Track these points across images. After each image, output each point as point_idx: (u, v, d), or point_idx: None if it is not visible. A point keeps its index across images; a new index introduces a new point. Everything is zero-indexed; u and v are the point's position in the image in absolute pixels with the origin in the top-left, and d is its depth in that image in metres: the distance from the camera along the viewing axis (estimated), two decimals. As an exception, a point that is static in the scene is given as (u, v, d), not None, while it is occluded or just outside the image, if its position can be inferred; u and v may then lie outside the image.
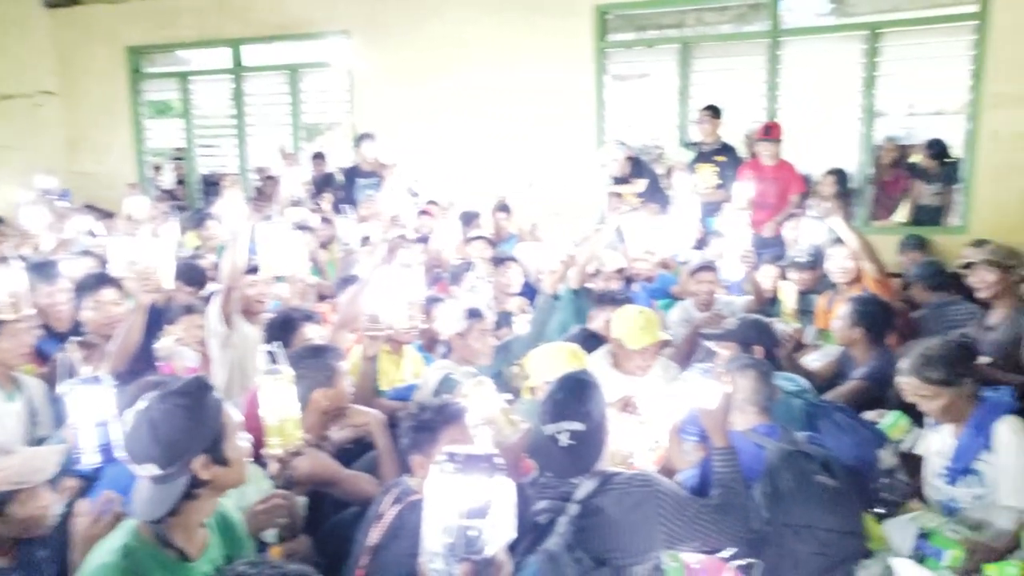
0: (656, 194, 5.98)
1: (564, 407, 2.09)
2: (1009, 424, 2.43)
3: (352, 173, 6.81)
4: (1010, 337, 3.47)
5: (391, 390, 3.50)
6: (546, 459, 2.11)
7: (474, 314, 3.22)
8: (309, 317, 3.31)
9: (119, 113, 8.62)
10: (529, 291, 4.60)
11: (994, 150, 5.72)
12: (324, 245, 5.59)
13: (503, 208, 6.10)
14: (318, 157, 7.39)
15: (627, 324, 3.28)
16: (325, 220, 5.98)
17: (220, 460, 1.73)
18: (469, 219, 5.80)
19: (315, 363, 2.60)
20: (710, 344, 3.32)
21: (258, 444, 2.16)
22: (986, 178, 5.80)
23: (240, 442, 1.81)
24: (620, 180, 6.14)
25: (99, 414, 2.18)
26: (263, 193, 7.58)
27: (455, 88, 7.06)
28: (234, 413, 1.83)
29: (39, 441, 2.89)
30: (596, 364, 3.26)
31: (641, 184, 6.03)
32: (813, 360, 3.80)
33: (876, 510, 2.41)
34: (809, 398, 3.00)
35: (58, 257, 4.48)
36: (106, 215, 6.42)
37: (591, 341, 3.51)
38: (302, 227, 5.21)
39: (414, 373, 3.63)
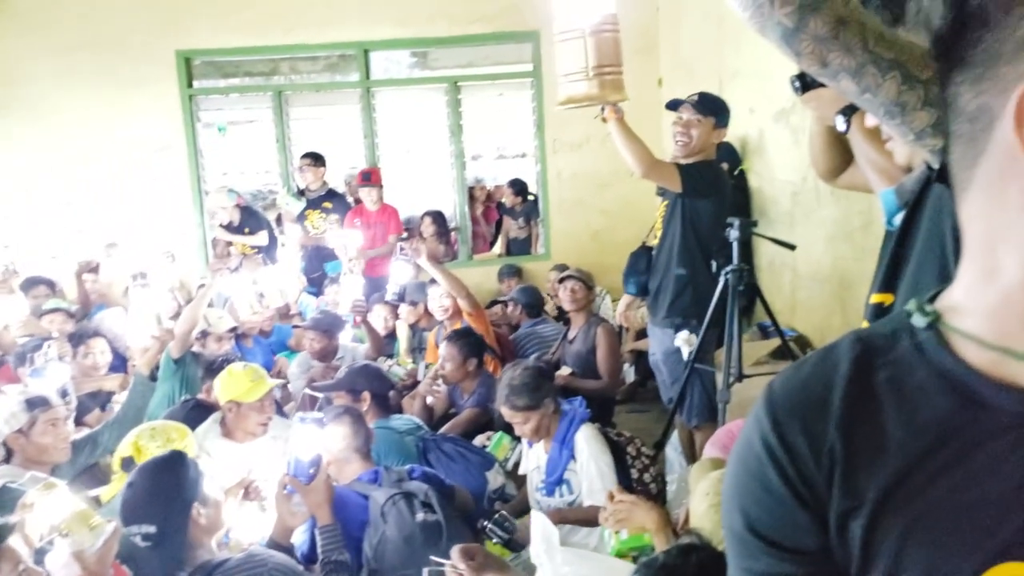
0: (268, 245, 5.84)
1: (140, 504, 1.93)
2: (583, 433, 2.73)
3: None
4: (587, 347, 4.01)
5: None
6: (129, 561, 1.89)
7: (36, 403, 2.69)
8: None
9: None
10: (120, 363, 4.13)
11: (559, 188, 6.69)
12: None
13: (87, 272, 5.38)
14: None
15: (236, 381, 3.10)
16: None
17: None
18: (41, 287, 5.00)
19: None
20: (319, 395, 3.30)
21: None
22: (557, 212, 6.74)
23: None
24: (231, 229, 5.87)
25: None
26: None
27: (7, 140, 6.15)
28: None
29: None
30: (206, 435, 3.03)
31: (262, 236, 5.85)
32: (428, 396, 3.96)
33: (494, 539, 2.54)
34: (421, 434, 3.15)
35: None
36: None
37: (200, 412, 3.25)
38: None
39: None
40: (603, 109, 2.94)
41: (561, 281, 4.19)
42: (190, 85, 6.38)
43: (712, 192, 3.22)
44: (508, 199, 7.18)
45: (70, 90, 6.11)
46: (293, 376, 4.20)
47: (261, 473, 2.80)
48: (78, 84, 6.12)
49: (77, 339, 3.93)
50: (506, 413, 2.79)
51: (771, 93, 4.29)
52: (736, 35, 4.66)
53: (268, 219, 6.24)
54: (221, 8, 6.18)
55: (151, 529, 1.89)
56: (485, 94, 6.86)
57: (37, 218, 6.20)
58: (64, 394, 3.06)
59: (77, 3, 6.08)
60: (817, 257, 4.07)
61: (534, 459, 2.92)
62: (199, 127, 6.46)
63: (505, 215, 7.27)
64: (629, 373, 4.94)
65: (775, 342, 3.48)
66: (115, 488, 2.46)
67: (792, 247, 3.21)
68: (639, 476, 2.74)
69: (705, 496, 1.64)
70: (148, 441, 2.54)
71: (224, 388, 3.06)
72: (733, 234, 2.96)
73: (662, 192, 3.37)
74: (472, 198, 7.13)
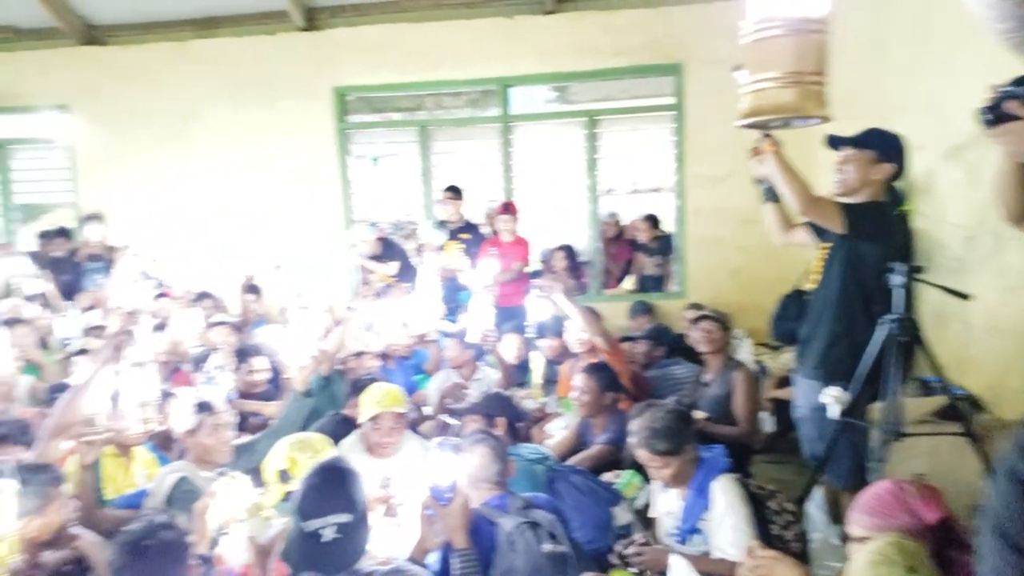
0: (407, 272, 6.10)
1: (327, 498, 2.01)
2: (721, 484, 2.64)
3: (76, 257, 6.15)
4: (723, 391, 3.87)
5: (119, 498, 3.15)
6: (309, 558, 2.00)
7: (204, 408, 2.98)
8: (11, 435, 2.90)
9: None
10: (277, 379, 4.43)
11: (698, 224, 6.57)
12: (44, 341, 4.95)
13: (252, 290, 5.85)
14: (59, 234, 6.49)
15: (367, 396, 3.27)
16: (48, 307, 5.30)
17: None
18: (208, 300, 5.48)
19: (26, 488, 2.31)
20: (455, 422, 3.39)
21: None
22: (695, 249, 6.62)
23: None
24: (372, 260, 6.19)
25: None
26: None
27: (191, 165, 6.77)
28: None
29: None
30: (348, 450, 3.20)
31: (394, 266, 6.12)
32: (558, 428, 4.00)
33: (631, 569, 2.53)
34: (550, 464, 3.19)
35: None
36: None
37: (345, 426, 3.44)
38: (13, 321, 4.61)
39: (148, 476, 3.30)
40: (766, 136, 2.74)
41: (696, 321, 4.08)
42: (343, 120, 6.81)
43: (879, 235, 2.93)
44: (642, 234, 7.12)
45: (239, 124, 6.69)
46: (431, 395, 4.37)
47: (399, 490, 2.92)
48: (245, 118, 6.69)
49: (242, 355, 4.27)
50: (643, 456, 2.73)
51: (942, 129, 3.96)
52: (903, 69, 4.37)
53: (404, 249, 6.52)
54: (374, 47, 6.58)
55: (346, 519, 1.97)
56: (620, 127, 6.88)
57: (204, 236, 6.77)
58: (229, 401, 3.33)
59: (250, 45, 6.66)
60: (994, 308, 3.70)
61: (666, 504, 2.86)
62: (349, 160, 6.87)
63: (637, 251, 7.20)
64: (768, 422, 4.72)
65: (940, 400, 3.16)
66: (274, 497, 2.63)
67: (965, 296, 2.91)
68: (780, 532, 2.63)
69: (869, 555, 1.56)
70: (299, 453, 2.71)
71: (367, 404, 3.23)
72: (895, 280, 2.74)
73: (821, 232, 3.12)
74: (603, 233, 7.13)
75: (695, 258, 6.62)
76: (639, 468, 3.01)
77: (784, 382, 4.21)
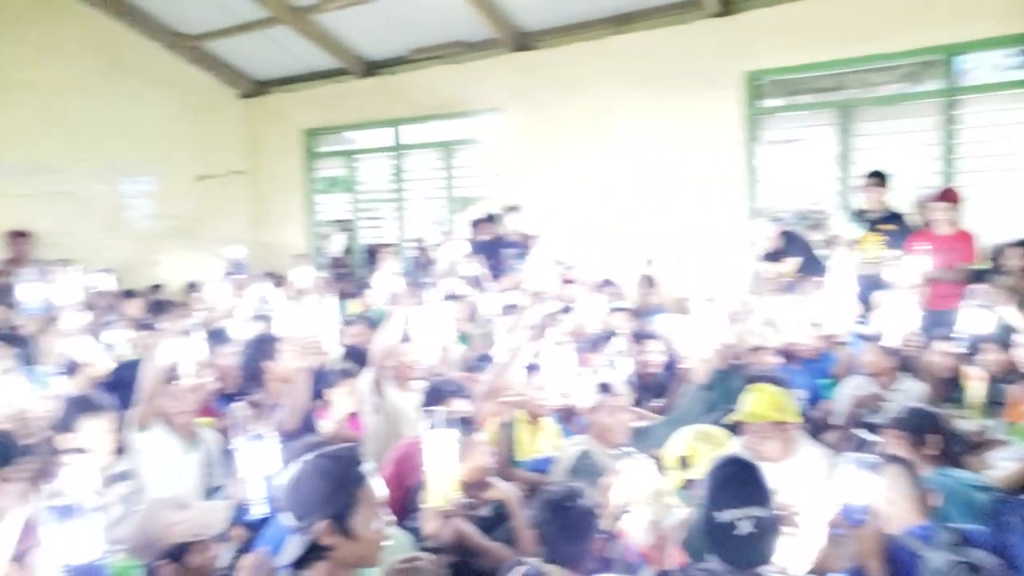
0: (810, 266, 5.64)
1: (742, 491, 1.97)
2: None
3: (498, 244, 6.95)
4: None
5: (529, 461, 3.48)
6: (721, 549, 1.96)
7: (605, 389, 3.12)
8: (458, 391, 3.36)
9: (295, 189, 9.46)
10: (670, 367, 4.44)
11: None
12: (472, 316, 5.70)
13: (648, 280, 5.99)
14: (487, 221, 7.33)
15: (751, 398, 3.06)
16: (478, 284, 6.08)
17: (344, 530, 1.76)
18: (610, 287, 5.73)
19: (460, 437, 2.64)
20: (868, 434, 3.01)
21: (402, 506, 2.18)
22: None
23: (375, 522, 1.80)
24: (771, 256, 5.87)
25: (266, 468, 2.31)
26: (418, 262, 7.96)
27: (600, 159, 7.13)
28: (377, 489, 1.84)
29: (214, 490, 3.15)
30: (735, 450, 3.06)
31: (793, 262, 5.73)
32: (1003, 459, 3.33)
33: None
34: (998, 495, 2.64)
35: (231, 323, 4.87)
36: (282, 282, 6.93)
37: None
38: (452, 296, 5.37)
39: (553, 445, 3.59)
40: None
41: None
42: (753, 105, 6.55)
43: None
44: None
45: (646, 117, 6.83)
46: (840, 403, 4.00)
47: (795, 500, 2.69)
48: (652, 111, 6.81)
49: (638, 338, 4.39)
50: None
51: None
52: None
53: (809, 242, 6.03)
54: (791, 26, 6.19)
55: (763, 513, 1.94)
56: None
57: (609, 227, 7.09)
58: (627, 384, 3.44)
59: (662, 37, 6.75)
60: None
61: None
62: (757, 147, 6.59)
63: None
64: None
65: None
66: (673, 483, 2.63)
67: None
68: None
69: None
70: (701, 443, 2.68)
71: (743, 403, 3.05)
72: None
73: None
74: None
75: None
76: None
77: None
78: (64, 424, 2.89)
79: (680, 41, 6.68)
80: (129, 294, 6.47)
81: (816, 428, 3.72)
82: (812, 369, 4.40)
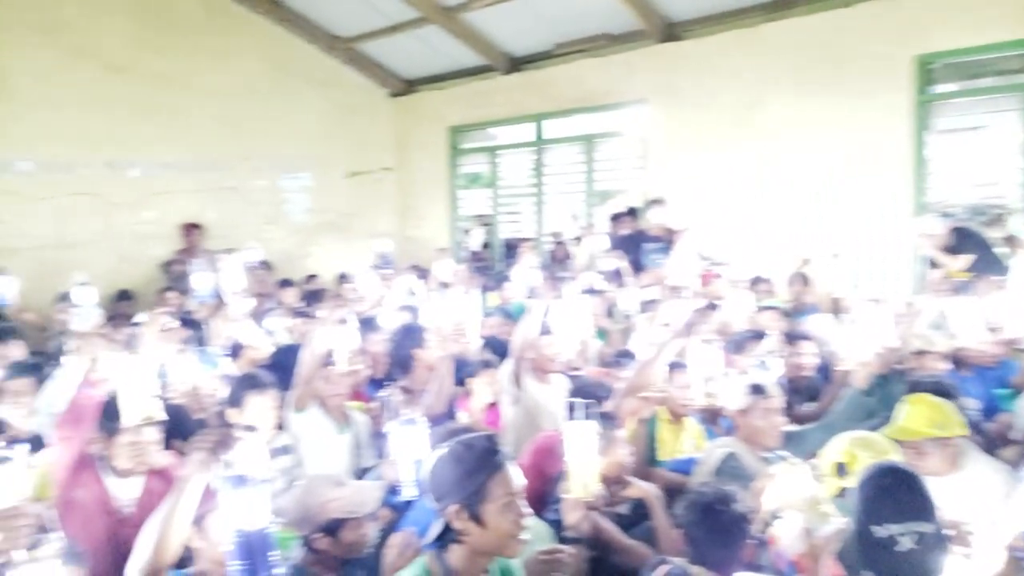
0: (988, 267, 5.14)
1: (903, 504, 1.85)
2: None
3: (639, 238, 6.83)
4: None
5: (670, 461, 3.41)
6: (879, 566, 1.84)
7: (757, 390, 2.98)
8: (601, 387, 3.33)
9: (439, 185, 9.75)
10: (823, 370, 4.19)
11: None
12: (610, 311, 5.63)
13: (803, 278, 5.69)
14: (627, 215, 7.24)
15: (906, 411, 2.82)
16: (618, 279, 6.00)
17: (474, 517, 1.77)
18: (762, 285, 5.49)
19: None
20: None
21: (540, 498, 2.19)
22: None
23: (510, 512, 1.79)
24: (942, 254, 5.40)
25: (415, 452, 2.38)
26: (555, 256, 7.98)
27: (751, 152, 6.83)
28: (515, 479, 1.83)
29: (363, 471, 3.31)
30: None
31: (964, 260, 5.24)
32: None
33: None
34: None
35: (381, 312, 5.08)
36: (426, 275, 7.16)
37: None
38: (591, 291, 5.33)
39: (695, 446, 3.49)
40: None
41: None
42: (923, 91, 6.05)
43: None
44: None
45: (802, 107, 6.47)
46: (1021, 415, 3.62)
47: (967, 516, 2.47)
48: (809, 101, 6.44)
49: (791, 339, 4.18)
50: None
51: None
52: None
53: (985, 239, 5.50)
54: (968, 3, 5.66)
55: (928, 528, 1.83)
56: None
57: (761, 222, 6.78)
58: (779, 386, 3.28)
59: (820, 22, 6.39)
60: None
61: None
62: (927, 136, 6.09)
63: None
64: None
65: None
66: (829, 490, 2.48)
67: None
68: None
69: None
70: (861, 450, 2.51)
71: (904, 419, 2.81)
72: None
73: None
74: None
75: None
76: None
77: None
78: (234, 399, 3.13)
79: (840, 25, 6.27)
80: (286, 283, 6.87)
81: (992, 442, 3.40)
82: (988, 377, 4.02)
